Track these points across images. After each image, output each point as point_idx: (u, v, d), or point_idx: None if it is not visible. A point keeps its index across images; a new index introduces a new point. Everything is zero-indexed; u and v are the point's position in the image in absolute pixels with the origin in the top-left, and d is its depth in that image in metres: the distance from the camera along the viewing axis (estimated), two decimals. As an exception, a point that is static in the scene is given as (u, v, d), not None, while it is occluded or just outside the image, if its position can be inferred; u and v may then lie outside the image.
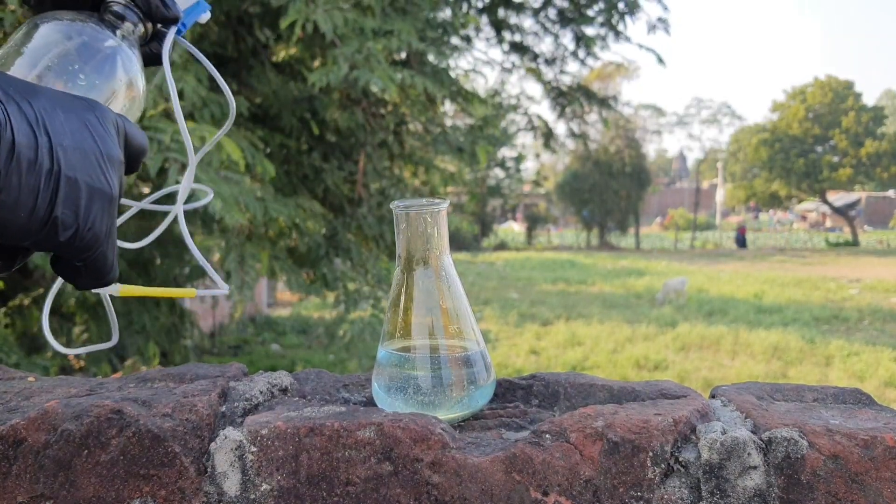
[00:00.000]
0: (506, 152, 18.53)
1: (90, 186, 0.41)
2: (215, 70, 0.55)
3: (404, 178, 4.48)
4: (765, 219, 37.65)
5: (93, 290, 0.53)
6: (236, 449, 0.54)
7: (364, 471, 0.53)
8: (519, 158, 20.73)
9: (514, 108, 6.95)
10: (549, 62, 5.63)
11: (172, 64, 2.29)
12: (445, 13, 4.01)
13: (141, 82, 0.49)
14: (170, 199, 0.57)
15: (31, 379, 0.73)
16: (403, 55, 3.38)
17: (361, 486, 0.53)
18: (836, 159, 25.88)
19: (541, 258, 17.79)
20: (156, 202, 0.59)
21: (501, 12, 5.25)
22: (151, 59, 0.53)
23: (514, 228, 31.12)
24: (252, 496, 0.53)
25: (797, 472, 0.51)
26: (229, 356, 6.32)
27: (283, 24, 2.55)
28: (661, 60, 5.31)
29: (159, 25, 0.52)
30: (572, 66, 21.91)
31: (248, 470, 0.54)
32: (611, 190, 22.70)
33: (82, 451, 0.54)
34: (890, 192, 33.16)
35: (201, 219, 2.72)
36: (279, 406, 0.61)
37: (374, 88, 2.69)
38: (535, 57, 5.60)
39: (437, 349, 0.62)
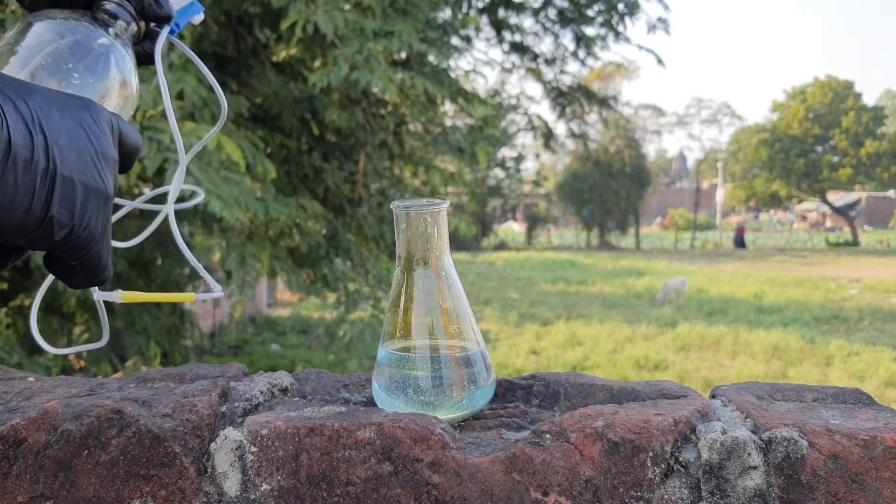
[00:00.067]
0: (506, 152, 18.54)
1: (85, 185, 0.41)
2: (207, 70, 0.55)
3: (404, 178, 4.48)
4: (765, 219, 37.65)
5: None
6: (236, 449, 0.54)
7: (364, 471, 0.53)
8: (519, 158, 20.73)
9: (514, 108, 6.95)
10: (549, 62, 5.63)
11: (172, 65, 2.30)
12: (445, 13, 4.01)
13: (134, 81, 0.49)
14: (164, 198, 0.57)
15: (31, 379, 0.73)
16: (403, 55, 3.38)
17: (361, 486, 0.53)
18: (836, 159, 25.88)
19: (541, 258, 17.79)
20: (150, 201, 0.59)
21: (501, 12, 5.25)
22: (144, 59, 0.53)
23: (514, 228, 31.11)
24: (252, 496, 0.53)
25: (797, 472, 0.51)
26: (229, 356, 6.32)
27: (284, 24, 2.55)
28: (660, 61, 5.31)
29: (152, 24, 0.52)
30: (572, 66, 21.91)
31: (248, 470, 0.54)
32: (611, 190, 22.70)
33: (82, 451, 0.54)
34: (890, 192, 33.16)
35: (202, 218, 2.72)
36: (279, 406, 0.61)
37: (375, 89, 2.69)
38: (535, 57, 5.60)
39: (437, 349, 0.62)
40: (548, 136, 6.28)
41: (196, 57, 0.55)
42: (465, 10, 4.81)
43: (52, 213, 0.40)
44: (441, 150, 4.12)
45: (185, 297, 0.55)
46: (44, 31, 0.45)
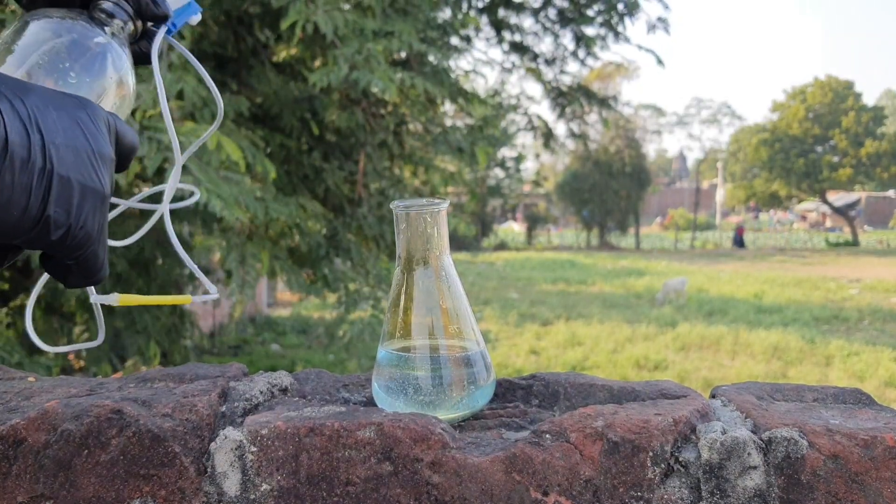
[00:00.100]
0: (506, 152, 18.54)
1: (82, 185, 0.41)
2: (204, 70, 0.55)
3: (404, 178, 4.48)
4: (765, 219, 37.66)
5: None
6: (236, 449, 0.54)
7: (364, 471, 0.53)
8: (519, 158, 20.73)
9: (514, 108, 6.95)
10: (549, 62, 5.62)
11: (172, 65, 2.29)
12: (445, 13, 4.01)
13: (131, 80, 0.49)
14: (160, 197, 0.57)
15: (31, 379, 0.73)
16: (403, 55, 3.38)
17: (361, 486, 0.53)
18: (836, 159, 25.88)
19: (541, 258, 17.79)
20: (147, 200, 0.59)
21: (501, 12, 5.25)
22: (141, 58, 0.53)
23: (514, 228, 31.12)
24: (252, 496, 0.53)
25: (797, 472, 0.51)
26: (229, 356, 6.32)
27: (284, 24, 2.55)
28: (660, 61, 5.31)
29: (149, 24, 0.52)
30: (572, 66, 21.91)
31: (248, 470, 0.54)
32: (611, 190, 22.70)
33: (82, 451, 0.54)
34: (890, 192, 33.16)
35: (202, 218, 2.72)
36: (279, 406, 0.61)
37: (374, 89, 2.69)
38: (535, 57, 5.60)
39: (437, 349, 0.62)
40: (548, 136, 6.28)
41: (192, 57, 0.55)
42: (465, 10, 4.81)
43: (49, 212, 0.40)
44: (441, 150, 4.12)
45: (182, 300, 0.55)
46: (41, 29, 0.45)
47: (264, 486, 0.53)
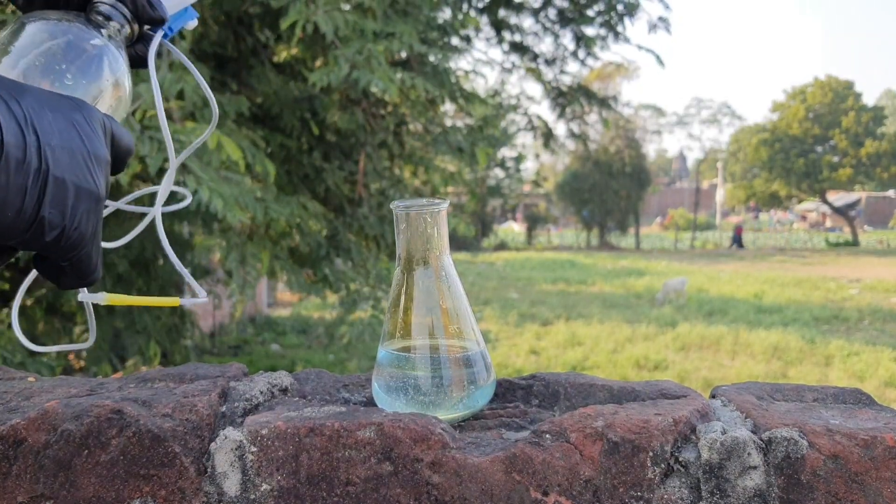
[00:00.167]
0: (506, 152, 18.54)
1: (77, 186, 0.41)
2: (199, 74, 0.56)
3: (404, 178, 4.48)
4: (765, 219, 37.66)
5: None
6: (236, 449, 0.54)
7: (364, 471, 0.53)
8: (519, 158, 20.72)
9: (514, 108, 6.95)
10: (549, 62, 5.62)
11: (173, 65, 2.29)
12: (445, 13, 4.01)
13: (127, 83, 0.49)
14: (152, 197, 0.57)
15: (31, 379, 0.73)
16: (403, 55, 3.38)
17: (361, 486, 0.53)
18: (836, 159, 25.88)
19: (541, 258, 17.80)
20: (140, 201, 0.59)
21: (501, 12, 5.25)
22: (138, 62, 0.53)
23: (514, 228, 31.12)
24: (252, 496, 0.53)
25: (797, 472, 0.51)
26: (229, 356, 6.32)
27: (284, 24, 2.55)
28: (660, 61, 5.31)
29: (146, 27, 0.52)
30: (572, 67, 21.91)
31: (248, 470, 0.54)
32: (611, 190, 22.70)
33: (82, 451, 0.54)
34: (890, 192, 33.17)
35: (202, 218, 2.72)
36: (279, 406, 0.61)
37: (374, 89, 2.69)
38: (535, 57, 5.60)
39: (437, 349, 0.62)
40: (548, 137, 6.28)
41: (188, 61, 0.56)
42: (465, 10, 4.80)
43: (44, 213, 0.40)
44: (441, 150, 4.12)
45: (170, 302, 0.55)
46: (37, 31, 0.45)
47: (264, 486, 0.53)
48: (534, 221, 25.81)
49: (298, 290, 3.64)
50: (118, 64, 0.48)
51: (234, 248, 2.85)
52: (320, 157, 3.75)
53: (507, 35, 5.42)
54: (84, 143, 0.42)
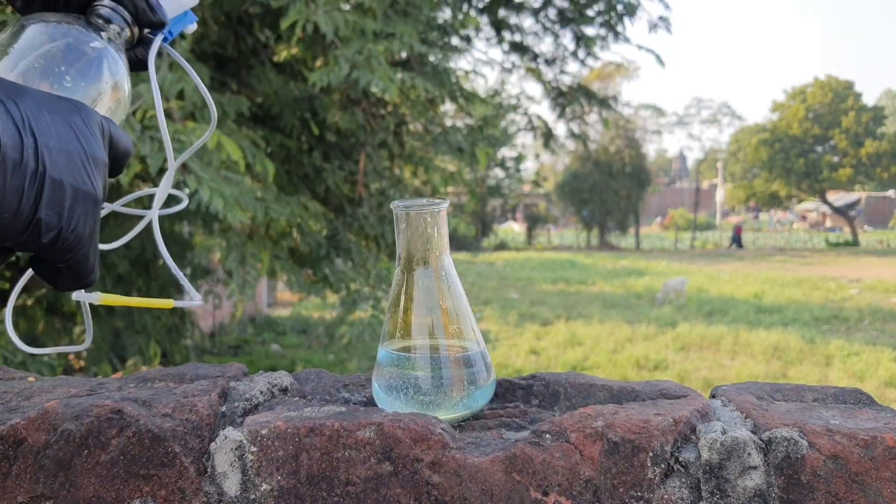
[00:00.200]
0: (506, 152, 18.54)
1: (74, 188, 0.41)
2: (198, 77, 0.56)
3: (404, 178, 4.48)
4: (765, 219, 37.66)
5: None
6: (236, 449, 0.54)
7: (364, 471, 0.53)
8: (519, 158, 20.73)
9: (514, 108, 6.95)
10: (549, 62, 5.62)
11: (172, 66, 2.29)
12: (445, 13, 4.01)
13: (126, 85, 0.49)
14: (149, 199, 0.57)
15: (31, 379, 0.73)
16: (404, 55, 3.38)
17: (361, 486, 0.53)
18: (836, 159, 25.89)
19: (541, 258, 17.80)
20: (134, 204, 0.59)
21: (501, 12, 5.25)
22: (137, 65, 0.53)
23: (514, 228, 31.13)
24: (252, 496, 0.53)
25: (797, 472, 0.51)
26: (229, 356, 6.32)
27: (284, 25, 2.55)
28: (660, 61, 5.30)
29: (146, 30, 0.52)
30: (572, 67, 21.91)
31: (248, 470, 0.54)
32: (611, 190, 22.71)
33: (82, 451, 0.54)
34: (890, 192, 33.17)
35: (202, 218, 2.72)
36: (279, 406, 0.61)
37: (374, 89, 2.69)
38: (535, 57, 5.60)
39: (437, 349, 0.62)
40: (547, 137, 6.28)
41: (187, 64, 0.56)
42: (465, 10, 4.80)
43: (41, 215, 0.40)
44: (441, 150, 4.12)
45: (163, 304, 0.55)
46: (37, 33, 0.46)
47: (264, 486, 0.53)
48: (534, 221, 25.81)
49: (299, 290, 3.64)
50: (117, 66, 0.48)
51: (234, 248, 2.85)
52: (320, 157, 3.75)
53: (507, 35, 5.42)
54: (82, 144, 0.42)
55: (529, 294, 10.76)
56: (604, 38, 5.30)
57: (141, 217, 0.57)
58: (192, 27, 0.56)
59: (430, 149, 4.23)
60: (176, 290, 3.67)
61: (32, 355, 2.65)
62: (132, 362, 3.61)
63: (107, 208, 0.56)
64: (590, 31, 5.30)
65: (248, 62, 3.44)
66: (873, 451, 0.50)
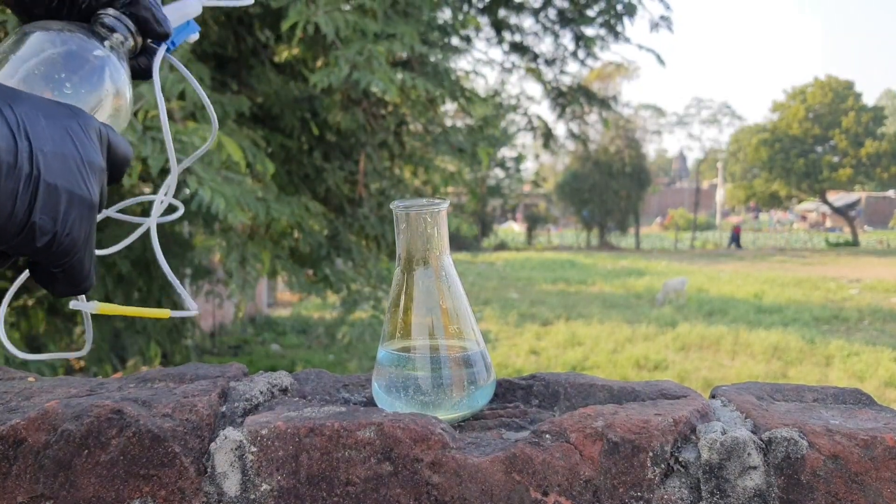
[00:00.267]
0: (506, 152, 18.54)
1: (70, 192, 0.41)
2: (200, 88, 0.56)
3: (405, 178, 4.48)
4: (765, 219, 37.66)
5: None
6: (236, 449, 0.54)
7: (364, 471, 0.53)
8: (519, 158, 20.74)
9: (514, 108, 6.96)
10: (549, 62, 5.63)
11: (173, 67, 2.30)
12: (445, 14, 4.01)
13: (128, 93, 0.50)
14: (147, 203, 0.57)
15: (31, 379, 0.73)
16: (404, 55, 3.38)
17: (361, 486, 0.53)
18: (836, 159, 25.89)
19: (541, 258, 17.80)
20: (128, 209, 0.59)
21: (501, 12, 5.26)
22: (139, 73, 0.54)
23: (514, 228, 31.14)
24: (252, 496, 0.53)
25: (797, 472, 0.51)
26: (229, 356, 6.32)
27: (284, 26, 2.55)
28: (660, 61, 5.31)
29: (149, 41, 0.52)
30: (572, 67, 21.91)
31: (248, 470, 0.54)
32: (611, 190, 22.71)
33: (82, 451, 0.54)
34: (890, 192, 33.17)
35: (203, 218, 2.72)
36: (279, 406, 0.61)
37: (375, 89, 2.69)
38: (535, 57, 5.60)
39: (437, 349, 0.62)
40: (547, 137, 6.28)
41: (189, 73, 0.57)
42: (465, 10, 4.81)
43: (35, 219, 0.40)
44: (441, 150, 4.13)
45: (160, 314, 0.55)
46: (38, 41, 0.46)
47: (264, 487, 0.53)
48: (534, 221, 25.81)
49: (299, 289, 3.64)
50: (119, 74, 0.49)
51: (235, 249, 2.85)
52: (320, 157, 3.75)
53: (507, 35, 5.42)
54: (78, 149, 0.42)
55: (529, 294, 10.76)
56: (604, 39, 5.31)
57: (139, 221, 0.57)
58: (194, 36, 0.57)
59: (431, 149, 4.23)
60: (176, 291, 3.67)
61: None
62: (132, 363, 3.61)
63: (102, 213, 0.56)
64: (590, 31, 5.30)
65: (248, 62, 3.44)
66: (873, 451, 0.50)
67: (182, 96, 2.42)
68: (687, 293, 9.83)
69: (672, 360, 6.25)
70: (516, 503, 0.51)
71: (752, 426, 0.55)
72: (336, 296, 4.12)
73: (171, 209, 0.59)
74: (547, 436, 0.53)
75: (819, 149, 26.36)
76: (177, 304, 3.77)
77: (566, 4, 5.19)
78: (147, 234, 0.56)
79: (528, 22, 5.45)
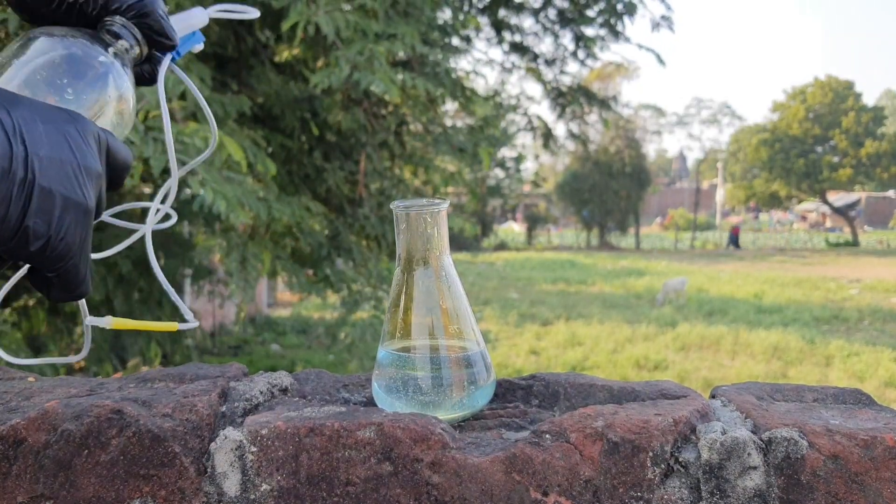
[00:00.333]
0: (506, 152, 18.54)
1: (65, 197, 0.41)
2: (203, 99, 0.57)
3: (405, 178, 4.48)
4: (765, 219, 37.66)
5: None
6: (236, 449, 0.54)
7: (364, 471, 0.53)
8: (519, 158, 20.74)
9: (514, 108, 6.96)
10: (549, 62, 5.63)
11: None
12: (446, 14, 4.01)
13: (131, 100, 0.50)
14: (146, 205, 0.57)
15: (31, 379, 0.73)
16: (403, 55, 3.38)
17: (361, 486, 0.53)
18: (836, 159, 25.89)
19: (541, 258, 17.80)
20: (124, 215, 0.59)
21: (502, 12, 5.26)
22: (143, 80, 0.54)
23: (514, 228, 31.13)
24: (252, 496, 0.53)
25: (797, 472, 0.51)
26: (229, 356, 6.32)
27: (285, 26, 2.55)
28: (661, 61, 5.31)
29: (154, 50, 0.53)
30: (572, 67, 21.91)
31: (248, 470, 0.54)
32: (611, 190, 22.71)
33: (82, 451, 0.54)
34: (890, 192, 33.17)
35: (204, 218, 2.72)
36: (279, 406, 0.61)
37: (375, 90, 2.69)
38: (535, 57, 5.60)
39: (437, 349, 0.62)
40: (547, 137, 6.28)
41: (192, 84, 0.57)
42: (465, 10, 4.81)
43: (28, 223, 0.40)
44: (442, 150, 4.13)
45: (168, 327, 0.57)
46: (42, 46, 0.46)
47: (264, 486, 0.53)
48: (534, 221, 25.81)
49: (299, 289, 3.64)
50: (122, 81, 0.49)
51: (235, 249, 2.85)
52: (321, 157, 3.75)
53: (507, 35, 5.43)
54: (75, 154, 0.42)
55: (529, 294, 10.76)
56: (604, 39, 5.31)
57: (141, 217, 0.57)
58: (198, 47, 0.57)
59: (431, 149, 4.23)
60: (177, 289, 3.67)
61: (37, 355, 2.65)
62: (133, 363, 3.61)
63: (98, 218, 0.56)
64: (590, 31, 5.30)
65: (248, 62, 3.44)
66: (873, 451, 0.50)
67: (183, 96, 2.42)
68: (687, 293, 9.83)
69: (672, 360, 6.25)
70: (516, 503, 0.51)
71: (752, 426, 0.55)
72: (336, 296, 4.12)
73: (165, 216, 0.59)
74: (547, 436, 0.53)
75: (819, 149, 26.35)
76: (178, 308, 3.76)
77: (566, 4, 5.19)
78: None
79: (528, 22, 5.45)
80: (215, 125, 0.58)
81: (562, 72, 5.74)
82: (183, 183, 2.16)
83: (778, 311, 8.80)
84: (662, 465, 0.52)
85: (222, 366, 0.71)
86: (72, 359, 0.60)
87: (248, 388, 0.63)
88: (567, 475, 0.51)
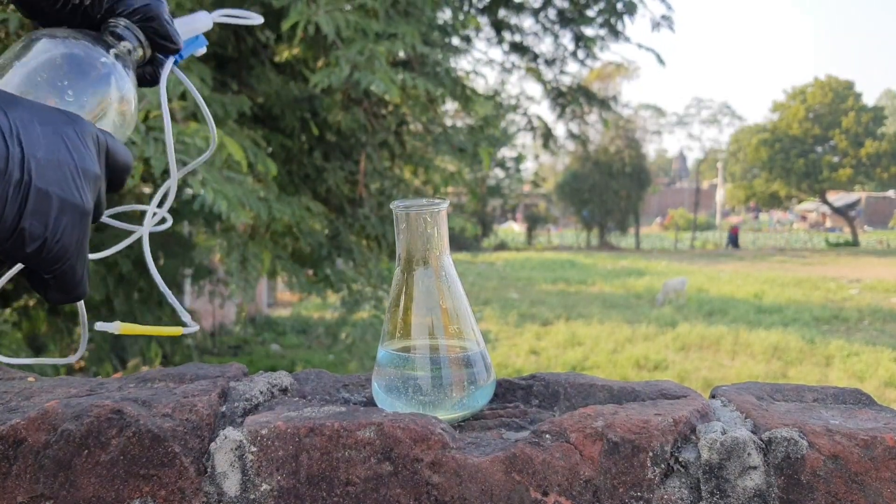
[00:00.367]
0: (506, 152, 18.54)
1: (62, 199, 0.41)
2: (203, 102, 0.57)
3: (405, 178, 4.48)
4: (765, 219, 37.66)
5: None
6: (236, 449, 0.54)
7: (364, 471, 0.53)
8: (519, 158, 20.74)
9: (514, 108, 6.96)
10: (549, 62, 5.63)
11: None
12: (446, 14, 4.01)
13: (133, 101, 0.50)
14: (143, 210, 0.58)
15: (31, 379, 0.73)
16: (403, 55, 3.38)
17: (361, 486, 0.53)
18: (836, 159, 25.89)
19: (541, 258, 17.80)
20: (121, 215, 0.59)
21: (501, 12, 5.26)
22: (145, 82, 0.54)
23: (514, 228, 31.13)
24: (252, 496, 0.53)
25: (797, 472, 0.51)
26: (229, 356, 6.32)
27: (285, 26, 2.55)
28: (661, 61, 5.31)
29: (157, 53, 0.53)
30: (572, 67, 21.90)
31: (248, 470, 0.54)
32: (611, 190, 22.71)
33: (82, 451, 0.54)
34: (890, 192, 33.16)
35: (204, 218, 2.72)
36: (279, 406, 0.61)
37: (375, 90, 2.69)
38: (535, 57, 5.60)
39: (437, 349, 0.62)
40: (547, 137, 6.28)
41: (193, 87, 0.57)
42: (465, 10, 4.81)
43: (24, 224, 0.40)
44: (442, 150, 4.13)
45: (172, 332, 0.57)
46: (44, 48, 0.46)
47: (264, 486, 0.53)
48: (534, 221, 25.81)
49: (300, 289, 3.64)
50: (124, 82, 0.49)
51: (235, 248, 2.86)
52: (321, 157, 3.76)
53: (507, 35, 5.43)
54: (72, 156, 0.42)
55: (529, 294, 10.76)
56: (603, 39, 5.31)
57: (131, 229, 0.57)
58: (201, 50, 0.58)
59: (431, 149, 4.23)
60: (177, 289, 3.68)
61: (38, 355, 2.65)
62: (133, 363, 3.61)
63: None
64: (590, 31, 5.31)
65: (248, 62, 3.44)
66: (873, 451, 0.50)
67: (183, 97, 2.43)
68: (687, 293, 9.83)
69: (672, 360, 6.25)
70: (516, 503, 0.51)
71: (752, 426, 0.55)
72: (336, 296, 4.12)
73: (161, 220, 0.59)
74: (547, 436, 0.53)
75: (819, 149, 26.35)
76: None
77: (566, 4, 5.19)
78: (149, 234, 0.57)
79: (527, 22, 5.46)
80: (214, 128, 0.58)
81: (562, 72, 5.74)
82: (184, 183, 2.16)
83: (778, 311, 8.80)
84: (662, 465, 0.52)
85: (222, 366, 0.71)
86: (68, 359, 0.60)
87: (248, 388, 0.63)
88: (567, 475, 0.51)
